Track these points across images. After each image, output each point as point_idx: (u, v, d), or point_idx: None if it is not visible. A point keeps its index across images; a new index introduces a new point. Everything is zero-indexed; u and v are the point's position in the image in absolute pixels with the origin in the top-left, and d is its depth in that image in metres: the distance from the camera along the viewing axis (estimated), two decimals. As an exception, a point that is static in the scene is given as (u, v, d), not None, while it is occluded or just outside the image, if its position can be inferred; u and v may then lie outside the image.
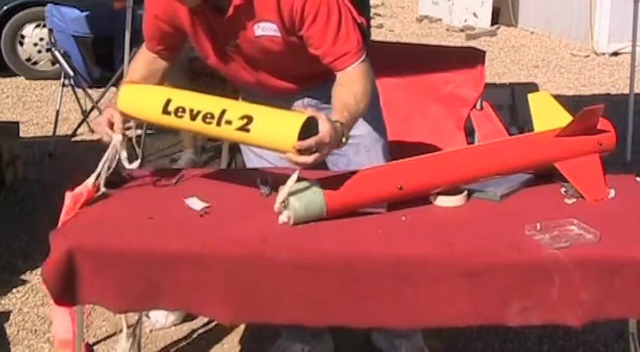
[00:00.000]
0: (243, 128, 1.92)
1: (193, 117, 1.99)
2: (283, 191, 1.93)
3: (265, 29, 2.17)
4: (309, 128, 1.88)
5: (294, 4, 2.12)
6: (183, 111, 2.01)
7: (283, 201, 1.93)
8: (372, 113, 2.43)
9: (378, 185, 2.02)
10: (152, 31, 2.34)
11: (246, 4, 2.13)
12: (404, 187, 2.00)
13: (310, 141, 1.86)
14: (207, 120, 1.96)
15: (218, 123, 1.95)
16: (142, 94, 2.19)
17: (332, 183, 1.97)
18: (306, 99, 2.41)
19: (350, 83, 2.15)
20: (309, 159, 1.88)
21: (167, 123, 2.11)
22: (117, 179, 2.20)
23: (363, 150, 2.43)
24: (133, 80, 2.32)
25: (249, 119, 1.92)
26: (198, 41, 2.30)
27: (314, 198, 1.93)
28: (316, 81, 2.33)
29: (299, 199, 1.92)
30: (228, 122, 1.94)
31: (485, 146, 2.18)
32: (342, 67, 2.18)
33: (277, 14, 2.14)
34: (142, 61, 2.39)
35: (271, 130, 1.92)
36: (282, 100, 2.31)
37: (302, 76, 2.35)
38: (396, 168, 2.07)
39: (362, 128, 2.39)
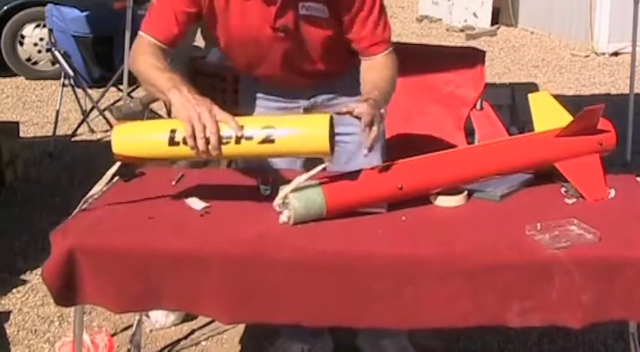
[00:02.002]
0: (267, 140, 1.88)
1: (207, 142, 1.90)
2: (286, 189, 1.93)
3: (310, 9, 2.21)
4: (332, 126, 1.90)
5: None
6: None
7: (283, 200, 1.93)
8: None
9: (378, 185, 2.02)
10: (171, 11, 2.21)
11: None
12: (404, 187, 2.00)
13: (373, 111, 1.98)
14: (225, 141, 1.89)
15: (237, 142, 1.89)
16: (139, 132, 2.01)
17: (332, 182, 1.98)
18: (319, 97, 2.45)
19: (381, 68, 2.28)
20: (376, 130, 1.99)
21: (177, 155, 1.99)
22: (129, 173, 2.24)
23: (363, 149, 2.44)
24: (149, 69, 2.13)
25: (272, 129, 1.89)
26: (225, 25, 2.24)
27: (314, 198, 1.93)
28: (331, 78, 2.40)
29: (299, 199, 1.92)
30: (249, 138, 1.89)
31: (485, 146, 2.18)
32: (376, 52, 2.29)
33: None
34: (147, 52, 2.20)
35: (300, 134, 1.90)
36: (293, 95, 2.39)
37: (323, 70, 2.38)
38: (397, 168, 2.07)
39: None
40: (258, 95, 2.47)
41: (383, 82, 2.22)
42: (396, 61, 2.33)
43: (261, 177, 2.20)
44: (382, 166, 2.13)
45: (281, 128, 1.90)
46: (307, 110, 2.45)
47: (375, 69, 2.28)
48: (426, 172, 2.07)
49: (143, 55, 2.18)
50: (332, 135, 1.91)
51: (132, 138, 1.99)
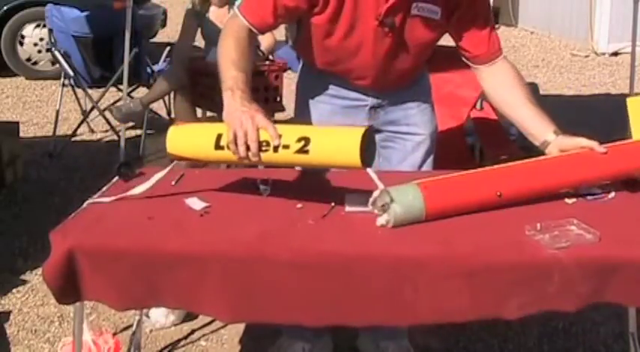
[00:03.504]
0: (302, 150, 1.89)
1: (248, 148, 1.94)
2: (386, 194, 1.91)
3: (423, 10, 2.20)
4: (369, 139, 1.88)
5: None
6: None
7: (384, 205, 1.91)
8: (432, 115, 2.54)
9: (477, 191, 2.00)
10: (272, 1, 2.19)
11: None
12: (503, 195, 1.99)
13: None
14: (264, 148, 1.92)
15: (275, 150, 1.91)
16: (190, 134, 2.12)
17: (432, 187, 1.96)
18: (388, 98, 2.44)
19: (520, 82, 2.31)
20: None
21: (221, 158, 2.06)
22: (129, 173, 2.25)
23: (421, 149, 2.50)
24: (223, 59, 2.14)
25: (307, 140, 1.90)
26: (334, 16, 2.22)
27: (414, 203, 1.91)
28: (409, 81, 2.43)
29: (399, 203, 1.90)
30: (286, 147, 1.90)
31: (588, 153, 2.12)
32: (496, 57, 2.30)
33: None
34: (234, 36, 2.19)
35: (332, 148, 1.90)
36: (365, 92, 2.40)
37: (407, 71, 2.39)
38: (496, 174, 2.04)
39: (425, 129, 2.51)
40: (325, 92, 2.44)
41: (531, 97, 2.26)
42: None
43: (261, 177, 2.19)
44: (481, 171, 2.08)
45: (315, 140, 1.90)
46: (373, 109, 2.44)
47: (516, 86, 2.28)
48: (525, 179, 2.05)
49: (229, 39, 2.17)
50: (367, 148, 1.87)
51: (183, 142, 2.08)
